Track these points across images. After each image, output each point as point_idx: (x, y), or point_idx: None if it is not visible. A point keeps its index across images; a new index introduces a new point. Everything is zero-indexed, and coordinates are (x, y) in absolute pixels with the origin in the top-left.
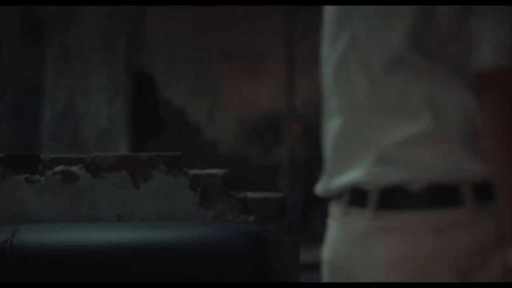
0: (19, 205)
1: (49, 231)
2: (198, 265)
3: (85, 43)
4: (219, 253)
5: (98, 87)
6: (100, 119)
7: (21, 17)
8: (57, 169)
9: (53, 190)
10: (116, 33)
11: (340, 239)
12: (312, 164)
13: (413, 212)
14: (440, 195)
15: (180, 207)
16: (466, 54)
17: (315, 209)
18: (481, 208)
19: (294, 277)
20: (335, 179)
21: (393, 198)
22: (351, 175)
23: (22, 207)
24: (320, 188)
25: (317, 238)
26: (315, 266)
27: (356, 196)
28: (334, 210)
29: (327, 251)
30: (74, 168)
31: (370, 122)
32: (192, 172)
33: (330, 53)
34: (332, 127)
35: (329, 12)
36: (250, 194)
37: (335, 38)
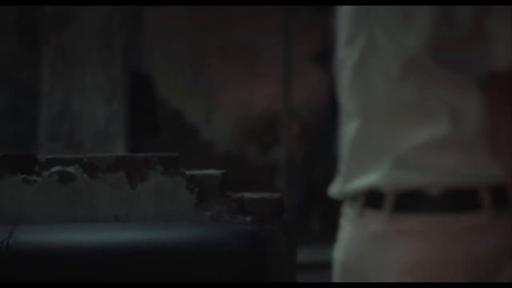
0: (16, 206)
1: (46, 231)
2: (195, 265)
3: (82, 43)
4: (216, 254)
5: (95, 87)
6: (97, 119)
7: (18, 17)
8: (54, 169)
9: (50, 191)
10: (113, 33)
11: (354, 240)
12: (309, 164)
13: (430, 215)
14: (458, 199)
15: (177, 207)
16: (482, 56)
17: (312, 209)
18: (498, 213)
19: (291, 277)
20: (351, 182)
21: (410, 201)
22: (368, 179)
23: (19, 208)
24: (335, 190)
25: (315, 238)
26: (313, 266)
27: (371, 198)
28: (348, 211)
29: (340, 252)
30: (71, 169)
31: (388, 125)
32: (189, 172)
33: (347, 55)
34: (348, 130)
35: (345, 13)
36: (247, 195)
37: (352, 39)
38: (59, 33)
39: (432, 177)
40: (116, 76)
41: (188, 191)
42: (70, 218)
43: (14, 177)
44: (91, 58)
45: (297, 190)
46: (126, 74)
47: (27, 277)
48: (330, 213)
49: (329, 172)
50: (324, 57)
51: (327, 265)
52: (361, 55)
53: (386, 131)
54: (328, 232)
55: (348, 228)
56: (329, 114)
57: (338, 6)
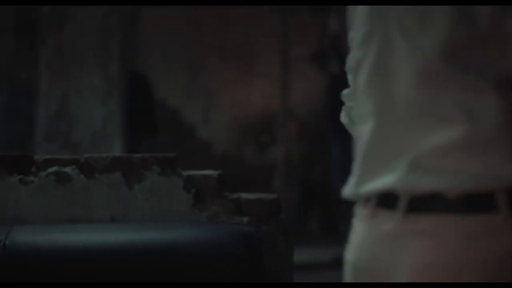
0: (12, 206)
1: (43, 232)
2: (192, 266)
3: (80, 43)
4: (212, 254)
5: (92, 88)
6: (94, 120)
7: (16, 17)
8: (50, 170)
9: (46, 191)
10: (111, 33)
11: (366, 241)
12: (307, 164)
13: (443, 216)
14: (473, 201)
15: (173, 208)
16: (500, 56)
17: (310, 209)
18: None
19: (288, 277)
20: (365, 183)
21: (424, 202)
22: (383, 180)
23: (15, 208)
24: (348, 191)
25: (313, 238)
26: (311, 266)
27: (385, 199)
28: (361, 212)
29: (351, 253)
30: (67, 169)
31: (404, 127)
32: (186, 173)
33: (363, 56)
34: (364, 131)
35: (359, 13)
36: (244, 195)
37: (368, 40)
38: (57, 33)
39: (449, 181)
40: (114, 76)
41: (185, 191)
42: (67, 218)
43: (11, 178)
44: (88, 58)
45: (295, 190)
46: (123, 74)
47: (24, 278)
48: (328, 213)
49: (327, 172)
50: (322, 57)
51: (325, 265)
52: (377, 56)
53: (402, 133)
54: (326, 232)
55: (360, 229)
56: (326, 114)
57: (350, 6)
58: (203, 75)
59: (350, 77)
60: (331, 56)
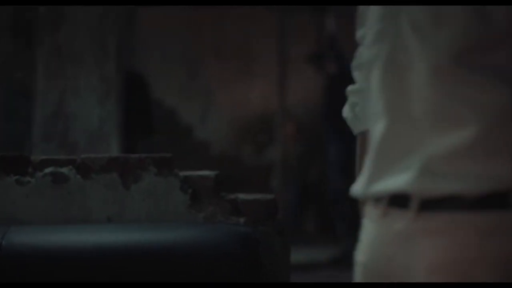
0: (9, 207)
1: (39, 232)
2: (189, 266)
3: (76, 43)
4: (209, 255)
5: (89, 88)
6: (91, 120)
7: (12, 17)
8: (47, 170)
9: (43, 192)
10: (108, 33)
11: (377, 240)
12: (305, 164)
13: (457, 214)
14: (488, 200)
15: (170, 208)
16: None
17: (307, 210)
18: None
19: (285, 278)
20: (375, 183)
21: (437, 202)
22: (394, 181)
23: (12, 209)
24: (357, 190)
25: (310, 238)
26: (308, 266)
27: (396, 199)
28: (370, 211)
29: (362, 254)
30: (64, 170)
31: (416, 127)
32: (183, 173)
33: (376, 55)
34: (375, 129)
35: (372, 11)
36: (241, 196)
37: (381, 38)
38: (54, 33)
39: (463, 185)
40: (111, 76)
41: (181, 192)
42: (64, 219)
43: (7, 178)
44: (85, 58)
45: (292, 190)
46: (120, 74)
47: (21, 278)
48: (325, 213)
49: (324, 172)
50: (320, 57)
51: (322, 265)
52: (390, 54)
53: (414, 132)
54: (323, 232)
55: (371, 229)
56: (324, 114)
57: (361, 6)
58: (200, 75)
59: (356, 74)
60: (329, 56)
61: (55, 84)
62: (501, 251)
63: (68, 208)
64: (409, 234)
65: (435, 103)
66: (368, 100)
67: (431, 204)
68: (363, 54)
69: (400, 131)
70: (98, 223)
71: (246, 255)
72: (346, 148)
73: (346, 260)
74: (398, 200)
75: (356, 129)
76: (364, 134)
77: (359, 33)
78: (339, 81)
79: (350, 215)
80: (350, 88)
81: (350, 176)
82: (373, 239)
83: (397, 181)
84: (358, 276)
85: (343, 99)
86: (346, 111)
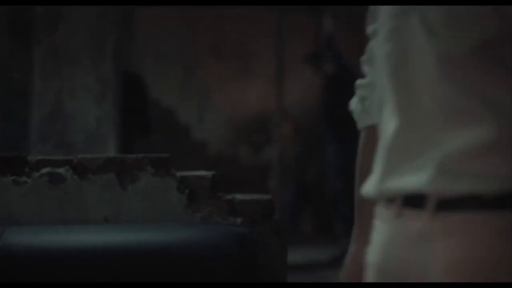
0: (5, 207)
1: (36, 233)
2: (185, 267)
3: (74, 43)
4: (206, 255)
5: (86, 88)
6: (88, 120)
7: (9, 17)
8: (44, 171)
9: (40, 192)
10: (105, 33)
11: (392, 241)
12: (302, 164)
13: (475, 213)
14: (505, 199)
15: (167, 209)
16: None
17: (305, 210)
18: None
19: (282, 278)
20: (388, 183)
21: (454, 202)
22: (409, 181)
23: (9, 209)
24: (369, 190)
25: (307, 239)
26: (306, 267)
27: (411, 199)
28: (383, 212)
29: (375, 255)
30: (61, 170)
31: (430, 125)
32: (180, 173)
33: (388, 53)
34: (387, 128)
35: (383, 9)
36: (238, 196)
37: (393, 36)
38: (51, 33)
39: (481, 184)
40: (108, 76)
41: (178, 192)
42: (60, 219)
43: (4, 179)
44: (82, 58)
45: (290, 190)
46: (117, 74)
47: (18, 278)
48: (323, 213)
49: (322, 172)
50: (317, 57)
51: (320, 265)
52: (402, 52)
53: (427, 131)
54: (321, 233)
55: (384, 230)
56: (321, 114)
57: (372, 6)
58: (198, 75)
59: (366, 68)
60: (326, 56)
61: (52, 85)
62: None
63: (65, 208)
64: (426, 234)
65: (448, 101)
66: (379, 96)
67: (448, 204)
68: (374, 49)
69: (412, 129)
70: (95, 223)
71: (243, 255)
72: (344, 148)
73: None
74: (413, 200)
75: (363, 122)
76: (371, 129)
77: (369, 29)
78: (337, 81)
79: (349, 215)
80: (359, 82)
81: (349, 176)
82: (387, 240)
83: (412, 180)
84: (371, 277)
85: (341, 99)
86: (354, 104)
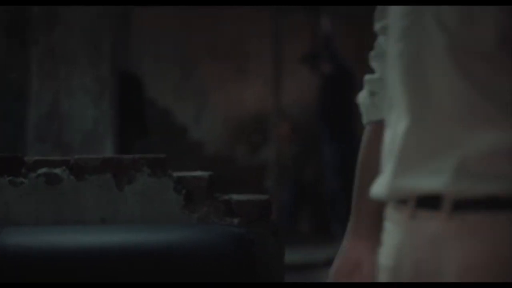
0: (2, 208)
1: (33, 233)
2: (182, 267)
3: (71, 43)
4: (203, 255)
5: (83, 88)
6: (85, 120)
7: (6, 17)
8: (40, 171)
9: (36, 193)
10: (102, 33)
11: (406, 244)
12: (299, 164)
13: (493, 214)
14: None
15: (164, 209)
16: None
17: (302, 210)
18: None
19: (279, 279)
20: (400, 184)
21: (473, 202)
22: (425, 183)
23: (5, 210)
24: (379, 191)
25: (305, 239)
26: (303, 267)
27: (426, 200)
28: (394, 214)
29: (388, 258)
30: (57, 171)
31: (445, 126)
32: (176, 174)
33: (401, 52)
34: (397, 129)
35: (393, 8)
36: (235, 197)
37: (406, 35)
38: (48, 34)
39: (500, 185)
40: (105, 76)
41: (175, 193)
42: (57, 220)
43: (0, 179)
44: (80, 58)
45: (287, 190)
46: (114, 75)
47: (14, 279)
48: (320, 213)
49: (319, 172)
50: (314, 57)
51: (317, 266)
52: (416, 51)
53: (444, 131)
54: (318, 233)
55: (396, 232)
56: (318, 114)
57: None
58: (195, 75)
59: (375, 64)
60: (324, 56)
61: (49, 85)
62: None
63: (61, 209)
64: (441, 235)
65: (466, 100)
66: (389, 95)
67: (465, 205)
68: (383, 46)
69: (426, 129)
70: (91, 224)
71: (240, 256)
72: (341, 148)
73: None
74: (428, 201)
75: (371, 117)
76: (378, 124)
77: (377, 25)
78: (334, 81)
79: (346, 216)
80: (368, 77)
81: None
82: (400, 242)
83: (428, 181)
84: (385, 280)
85: (338, 99)
86: (362, 98)
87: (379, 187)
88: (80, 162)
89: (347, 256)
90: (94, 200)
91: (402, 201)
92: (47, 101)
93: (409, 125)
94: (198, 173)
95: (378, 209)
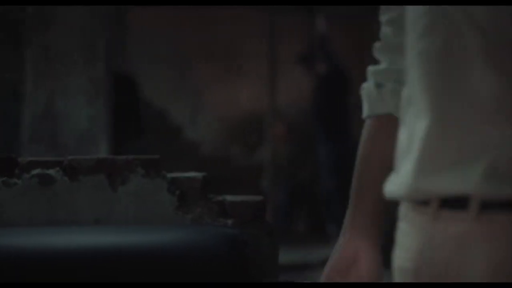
0: None
1: (26, 234)
2: (176, 268)
3: (65, 43)
4: (196, 257)
5: (78, 88)
6: (80, 121)
7: (0, 17)
8: (34, 172)
9: (30, 194)
10: (96, 33)
11: (428, 246)
12: (295, 164)
13: None
14: None
15: (158, 210)
16: None
17: (298, 210)
18: None
19: (273, 279)
20: (423, 183)
21: (499, 203)
22: (452, 182)
23: None
24: (396, 189)
25: (300, 239)
26: (299, 267)
27: (451, 201)
28: (414, 215)
29: (409, 260)
30: (51, 171)
31: (474, 125)
32: (170, 175)
33: (421, 51)
34: (417, 126)
35: (413, 8)
36: (229, 197)
37: (429, 33)
38: (42, 34)
39: None
40: (99, 76)
41: (169, 193)
42: (51, 221)
43: None
44: (74, 58)
45: (283, 190)
46: (109, 75)
47: (7, 280)
48: (316, 213)
49: (315, 172)
50: (310, 57)
51: (312, 266)
52: (439, 50)
53: (473, 131)
54: (314, 233)
55: (416, 233)
56: (314, 114)
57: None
58: (190, 75)
59: (381, 55)
60: (319, 56)
61: (43, 85)
62: None
63: (55, 210)
64: (468, 236)
65: (496, 99)
66: (409, 92)
67: (493, 206)
68: (392, 37)
69: (451, 128)
70: (85, 224)
71: (233, 256)
72: (337, 148)
73: None
74: (453, 202)
75: (376, 110)
76: (382, 117)
77: (383, 17)
78: (330, 81)
79: (342, 215)
80: (373, 68)
81: (342, 176)
82: (423, 245)
83: (455, 182)
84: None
85: (333, 99)
86: (367, 90)
87: (394, 187)
88: (73, 163)
89: (343, 252)
90: (88, 201)
91: (422, 202)
92: (41, 102)
93: (431, 123)
94: (191, 174)
95: (376, 205)
